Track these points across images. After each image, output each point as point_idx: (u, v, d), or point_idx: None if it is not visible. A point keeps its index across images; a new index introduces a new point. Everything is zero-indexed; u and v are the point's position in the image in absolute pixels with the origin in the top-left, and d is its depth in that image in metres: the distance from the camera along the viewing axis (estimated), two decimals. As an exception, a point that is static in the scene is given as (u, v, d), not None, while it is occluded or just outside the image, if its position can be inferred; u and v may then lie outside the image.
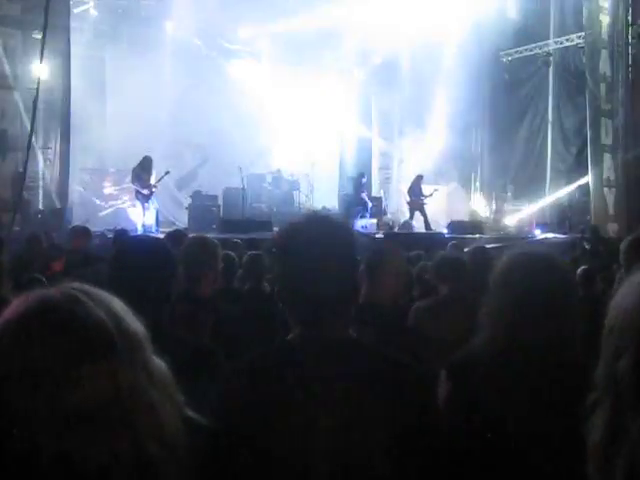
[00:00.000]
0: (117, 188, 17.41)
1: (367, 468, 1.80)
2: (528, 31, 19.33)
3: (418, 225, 17.49)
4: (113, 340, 1.26)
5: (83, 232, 8.66)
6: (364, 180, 18.33)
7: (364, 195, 17.87)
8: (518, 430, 2.09)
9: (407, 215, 18.04)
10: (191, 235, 5.17)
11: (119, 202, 17.39)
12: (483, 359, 2.27)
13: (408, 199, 17.78)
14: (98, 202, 17.16)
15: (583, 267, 6.45)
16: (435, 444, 1.88)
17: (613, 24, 16.91)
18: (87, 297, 1.29)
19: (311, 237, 1.93)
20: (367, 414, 1.82)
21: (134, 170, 14.89)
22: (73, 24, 14.58)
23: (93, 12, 17.28)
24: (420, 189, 17.62)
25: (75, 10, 15.18)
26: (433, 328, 4.31)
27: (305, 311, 1.93)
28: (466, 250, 4.20)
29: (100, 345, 1.24)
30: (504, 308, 2.29)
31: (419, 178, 17.81)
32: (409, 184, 17.95)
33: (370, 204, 17.82)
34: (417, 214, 17.55)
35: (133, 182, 14.92)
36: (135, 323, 1.34)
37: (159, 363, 1.38)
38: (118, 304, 1.34)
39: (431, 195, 17.51)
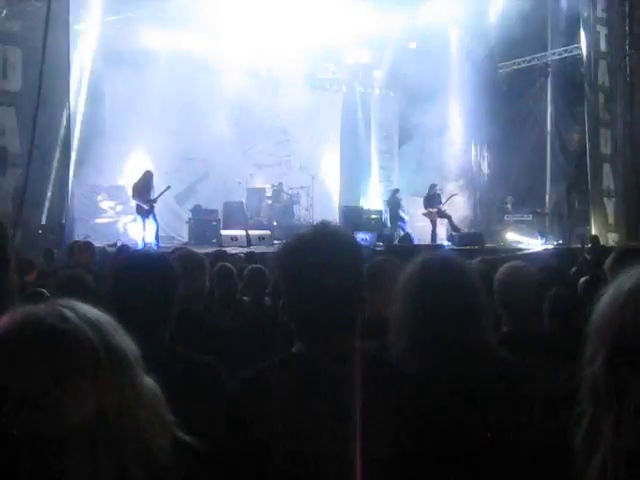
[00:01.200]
0: (116, 203, 17.41)
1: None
2: (526, 42, 19.36)
3: (421, 238, 17.60)
4: (99, 358, 1.21)
5: (87, 248, 8.54)
6: (399, 196, 18.49)
7: (401, 211, 18.06)
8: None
9: (406, 228, 18.09)
10: (179, 250, 5.16)
11: (119, 218, 17.38)
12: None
13: (424, 211, 17.92)
14: (98, 218, 17.15)
15: (586, 277, 6.41)
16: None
17: (611, 35, 16.96)
18: (73, 313, 1.24)
19: (317, 251, 1.92)
20: (376, 426, 1.81)
21: (135, 185, 14.92)
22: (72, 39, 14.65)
23: (93, 28, 17.33)
24: (438, 196, 17.83)
25: (75, 27, 15.22)
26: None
27: (312, 326, 1.93)
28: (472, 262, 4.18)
29: (84, 363, 1.20)
30: (407, 320, 2.29)
31: (433, 187, 17.97)
32: (424, 194, 18.11)
33: (407, 218, 18.01)
34: (439, 221, 17.78)
35: (134, 197, 14.92)
36: (125, 340, 1.29)
37: (150, 382, 1.33)
38: (107, 321, 1.29)
39: (449, 199, 17.79)
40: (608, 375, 1.19)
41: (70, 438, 1.16)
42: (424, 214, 17.95)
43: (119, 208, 17.38)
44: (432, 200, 17.82)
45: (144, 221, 14.77)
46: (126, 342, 1.29)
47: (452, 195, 18.10)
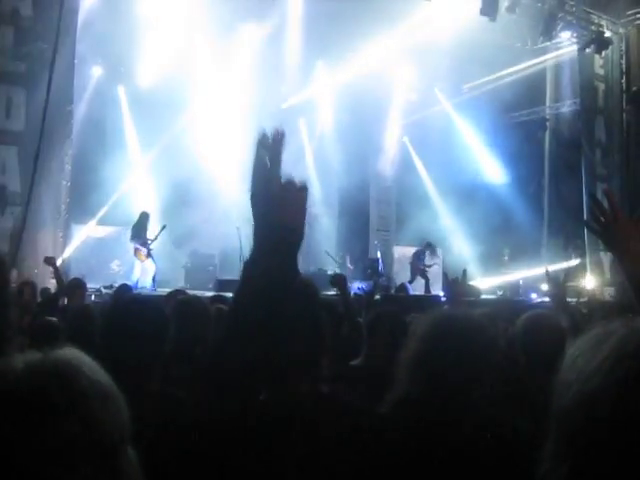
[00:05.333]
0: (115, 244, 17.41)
1: None
2: (524, 96, 19.60)
3: (417, 288, 17.59)
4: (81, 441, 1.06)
5: (78, 285, 8.63)
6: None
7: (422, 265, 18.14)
8: None
9: (403, 278, 18.13)
10: (180, 296, 5.13)
11: (116, 261, 17.34)
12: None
13: (411, 260, 18.10)
14: (95, 260, 17.12)
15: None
16: None
17: (608, 90, 17.20)
18: (56, 379, 1.08)
19: (272, 296, 1.91)
20: (334, 470, 1.80)
21: (133, 227, 14.94)
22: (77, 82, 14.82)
23: (97, 72, 17.57)
24: (424, 257, 17.96)
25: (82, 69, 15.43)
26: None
27: (267, 374, 1.91)
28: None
29: (64, 445, 1.05)
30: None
31: (427, 246, 18.10)
32: (416, 249, 18.26)
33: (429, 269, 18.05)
34: (418, 277, 17.85)
35: (132, 239, 14.93)
36: (113, 412, 1.13)
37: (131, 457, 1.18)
38: (101, 390, 1.13)
39: (430, 267, 17.88)
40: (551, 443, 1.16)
41: None
42: (410, 263, 18.16)
43: (118, 250, 17.37)
44: (419, 257, 18.01)
45: (141, 263, 14.76)
46: (114, 414, 1.13)
47: (434, 264, 18.23)
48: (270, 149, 1.56)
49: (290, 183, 1.58)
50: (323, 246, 19.15)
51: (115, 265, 17.04)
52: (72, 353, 1.16)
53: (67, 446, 1.05)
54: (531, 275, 18.17)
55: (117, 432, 1.12)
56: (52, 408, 1.06)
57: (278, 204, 1.56)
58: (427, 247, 18.13)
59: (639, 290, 2.14)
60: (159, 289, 14.01)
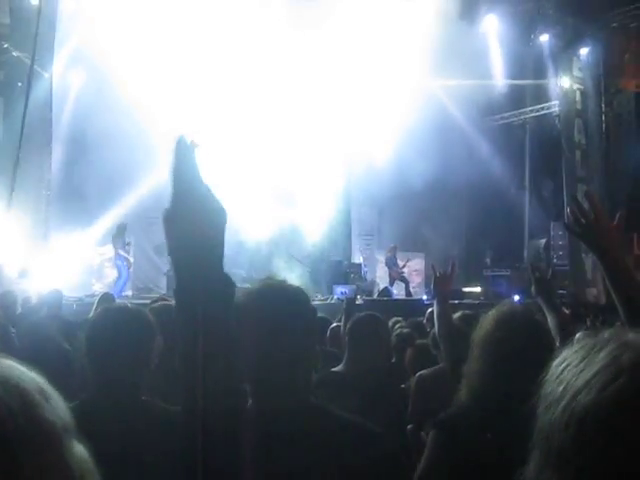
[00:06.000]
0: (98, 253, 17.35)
1: None
2: (504, 99, 19.70)
3: (398, 292, 17.62)
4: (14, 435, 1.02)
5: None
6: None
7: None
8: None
9: (387, 281, 18.18)
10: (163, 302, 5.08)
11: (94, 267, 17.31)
12: (470, 416, 2.27)
13: (386, 267, 18.18)
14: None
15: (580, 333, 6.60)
16: None
17: (586, 93, 17.33)
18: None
19: (262, 306, 1.91)
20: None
21: (114, 237, 15.09)
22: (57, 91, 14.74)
23: (78, 79, 17.42)
24: (395, 260, 17.98)
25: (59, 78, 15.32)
26: (435, 397, 4.22)
27: (259, 383, 1.90)
28: (456, 317, 4.20)
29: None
30: (485, 366, 2.30)
31: (394, 249, 18.16)
32: (385, 256, 18.30)
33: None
34: (398, 281, 17.85)
35: (119, 248, 15.09)
36: (55, 410, 1.10)
37: (80, 452, 1.14)
38: (36, 387, 1.10)
39: (404, 266, 17.89)
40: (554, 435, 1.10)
41: None
42: (388, 271, 18.20)
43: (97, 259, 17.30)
44: (390, 262, 18.03)
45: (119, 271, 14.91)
46: (55, 411, 1.10)
47: (407, 261, 18.24)
48: (183, 156, 1.51)
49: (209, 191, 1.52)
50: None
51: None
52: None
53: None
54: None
55: (61, 422, 1.09)
56: None
57: (198, 220, 1.50)
58: (394, 249, 18.19)
59: (619, 292, 2.14)
60: (143, 296, 14.06)
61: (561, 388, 1.11)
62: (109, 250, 15.67)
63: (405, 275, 18.04)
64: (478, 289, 18.75)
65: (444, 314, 4.11)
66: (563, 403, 1.09)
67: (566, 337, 1.91)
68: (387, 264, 18.25)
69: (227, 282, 1.55)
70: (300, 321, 1.95)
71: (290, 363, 1.89)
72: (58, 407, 1.11)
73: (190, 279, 1.54)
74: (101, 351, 2.51)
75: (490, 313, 2.52)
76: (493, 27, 18.58)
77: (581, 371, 1.10)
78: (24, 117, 12.85)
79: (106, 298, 8.37)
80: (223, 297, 1.54)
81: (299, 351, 1.92)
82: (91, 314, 6.45)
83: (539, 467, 1.14)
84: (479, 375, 2.34)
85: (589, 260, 16.71)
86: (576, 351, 1.14)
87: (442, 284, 4.16)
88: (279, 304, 1.93)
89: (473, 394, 2.34)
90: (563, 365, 1.14)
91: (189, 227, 1.49)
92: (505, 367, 2.27)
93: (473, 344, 2.42)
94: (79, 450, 1.14)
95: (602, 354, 1.09)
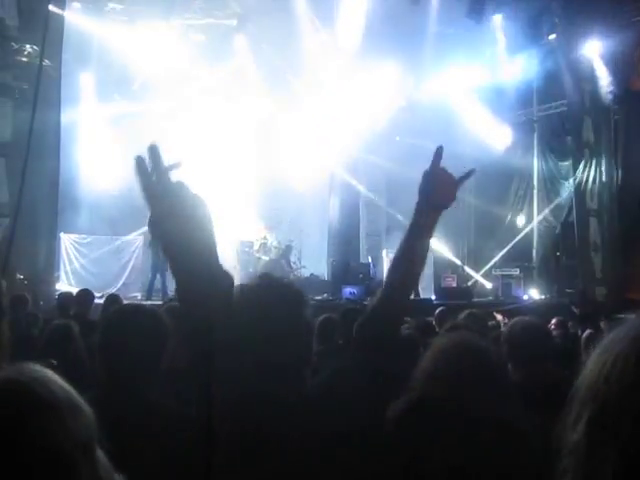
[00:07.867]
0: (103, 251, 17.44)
1: None
2: (513, 97, 19.63)
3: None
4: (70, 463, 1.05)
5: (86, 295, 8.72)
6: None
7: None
8: None
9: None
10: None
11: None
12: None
13: None
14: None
15: (558, 318, 6.81)
16: None
17: (595, 91, 17.23)
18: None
19: (258, 303, 1.92)
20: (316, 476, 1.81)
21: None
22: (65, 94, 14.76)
23: (89, 82, 17.45)
24: None
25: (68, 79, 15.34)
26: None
27: (250, 378, 1.89)
28: (461, 317, 4.17)
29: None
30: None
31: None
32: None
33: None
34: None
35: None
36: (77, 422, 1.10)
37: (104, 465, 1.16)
38: (65, 398, 1.11)
39: None
40: (588, 442, 1.12)
41: None
42: None
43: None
44: None
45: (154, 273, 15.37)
46: (78, 424, 1.11)
47: None
48: (151, 166, 1.53)
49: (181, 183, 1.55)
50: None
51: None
52: (23, 369, 1.14)
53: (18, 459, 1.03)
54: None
55: (73, 441, 1.09)
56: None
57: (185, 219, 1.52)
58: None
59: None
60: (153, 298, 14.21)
61: (584, 387, 1.14)
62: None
63: None
64: (490, 285, 18.78)
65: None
66: (585, 399, 1.13)
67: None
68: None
69: (224, 273, 1.58)
70: (296, 316, 1.96)
71: (284, 359, 1.89)
72: (86, 419, 1.13)
73: (187, 272, 1.58)
74: (116, 350, 2.52)
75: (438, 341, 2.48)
76: (500, 26, 18.52)
77: (598, 367, 1.13)
78: (33, 118, 12.87)
79: (113, 299, 8.41)
80: (221, 286, 1.57)
81: (295, 346, 1.93)
82: (99, 315, 6.49)
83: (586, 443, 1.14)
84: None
85: (598, 258, 16.63)
86: (601, 348, 1.16)
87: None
88: (273, 301, 1.95)
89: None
90: (590, 362, 1.16)
91: (174, 223, 1.53)
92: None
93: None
94: (103, 460, 1.16)
95: (619, 347, 1.12)
